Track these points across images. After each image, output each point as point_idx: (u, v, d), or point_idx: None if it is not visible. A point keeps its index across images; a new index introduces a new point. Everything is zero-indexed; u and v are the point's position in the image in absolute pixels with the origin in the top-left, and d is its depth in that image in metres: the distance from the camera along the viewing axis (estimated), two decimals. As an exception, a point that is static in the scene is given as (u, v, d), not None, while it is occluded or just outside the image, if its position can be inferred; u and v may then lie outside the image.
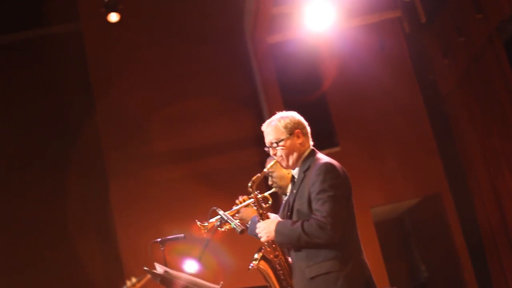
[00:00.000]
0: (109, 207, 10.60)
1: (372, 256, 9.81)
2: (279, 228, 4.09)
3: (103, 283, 9.81)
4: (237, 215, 5.10)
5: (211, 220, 4.90)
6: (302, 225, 3.98)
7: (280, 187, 5.24)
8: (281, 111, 4.43)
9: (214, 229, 4.78)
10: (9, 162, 10.41)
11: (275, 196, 5.78)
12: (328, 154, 4.35)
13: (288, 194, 4.92)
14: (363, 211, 10.26)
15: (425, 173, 10.94)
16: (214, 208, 4.59)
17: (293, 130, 4.26)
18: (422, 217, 12.09)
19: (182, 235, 5.45)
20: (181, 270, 4.40)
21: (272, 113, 4.48)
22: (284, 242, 4.12)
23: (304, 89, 10.69)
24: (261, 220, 4.23)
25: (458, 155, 10.62)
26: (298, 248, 4.08)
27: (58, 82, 10.88)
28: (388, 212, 11.99)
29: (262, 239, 4.17)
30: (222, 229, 4.86)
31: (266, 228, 4.15)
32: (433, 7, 10.05)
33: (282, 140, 4.24)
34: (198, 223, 5.08)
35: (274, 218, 4.24)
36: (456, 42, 9.78)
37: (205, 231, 4.99)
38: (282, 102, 10.49)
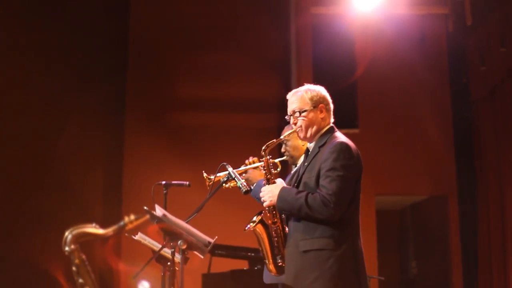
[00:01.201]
0: (121, 142, 10.63)
1: (367, 242, 9.77)
2: (282, 193, 4.12)
3: (101, 216, 9.83)
4: (244, 174, 5.14)
5: (218, 174, 4.94)
6: (306, 197, 4.00)
7: (291, 157, 5.26)
8: (310, 83, 4.43)
9: (219, 184, 4.81)
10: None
11: (285, 165, 5.80)
12: (346, 134, 4.35)
13: (298, 165, 4.94)
14: (368, 197, 10.27)
15: (437, 173, 10.93)
16: (224, 163, 4.62)
17: (317, 103, 4.26)
18: (424, 215, 12.11)
19: (187, 182, 5.49)
20: (180, 217, 4.43)
21: (300, 83, 4.48)
22: (285, 208, 4.13)
23: (337, 66, 10.65)
24: (267, 185, 4.25)
25: (474, 162, 10.59)
26: (297, 220, 4.10)
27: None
28: (392, 203, 12.02)
29: (265, 203, 4.19)
30: (227, 185, 4.90)
31: (270, 192, 4.17)
32: (481, 12, 9.94)
33: (305, 111, 4.24)
34: (205, 174, 5.12)
35: (279, 183, 4.26)
36: (496, 52, 9.69)
37: (210, 183, 5.03)
38: (312, 74, 10.47)
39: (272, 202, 4.15)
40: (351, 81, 10.75)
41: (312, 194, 4.01)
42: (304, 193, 4.03)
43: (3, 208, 8.99)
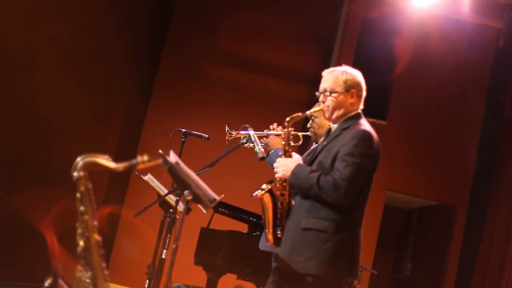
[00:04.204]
0: (151, 80, 10.65)
1: (368, 234, 9.86)
2: (296, 170, 4.11)
3: (115, 149, 9.82)
4: (264, 139, 5.15)
5: (239, 132, 4.96)
6: (318, 177, 3.99)
7: (315, 134, 5.26)
8: (349, 65, 4.39)
9: (237, 144, 4.82)
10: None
11: (306, 140, 5.81)
12: (373, 124, 4.34)
13: (318, 143, 4.94)
14: (380, 190, 10.29)
15: (453, 182, 10.90)
16: (247, 125, 4.63)
17: (350, 88, 4.22)
18: (430, 220, 12.09)
19: (207, 135, 5.52)
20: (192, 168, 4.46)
21: (339, 64, 4.44)
22: (296, 185, 4.13)
23: (380, 56, 10.59)
24: (283, 156, 4.25)
25: (491, 180, 10.54)
26: (304, 197, 4.10)
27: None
28: (401, 201, 12.00)
29: (277, 175, 4.19)
30: (246, 145, 4.92)
31: (285, 166, 4.16)
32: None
33: (336, 92, 4.21)
34: (227, 128, 5.14)
35: (296, 159, 4.25)
36: (539, 77, 9.61)
37: (230, 138, 5.06)
38: (353, 57, 10.42)
39: (285, 175, 4.15)
40: (389, 75, 10.69)
41: (325, 175, 4.01)
42: (317, 173, 4.02)
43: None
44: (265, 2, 11.02)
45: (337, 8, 11.10)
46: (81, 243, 2.74)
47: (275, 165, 4.21)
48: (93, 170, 2.78)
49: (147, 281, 5.37)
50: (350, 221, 4.05)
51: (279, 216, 4.24)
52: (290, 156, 4.25)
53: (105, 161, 2.75)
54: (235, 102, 10.61)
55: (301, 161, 4.24)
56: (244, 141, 4.72)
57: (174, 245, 4.19)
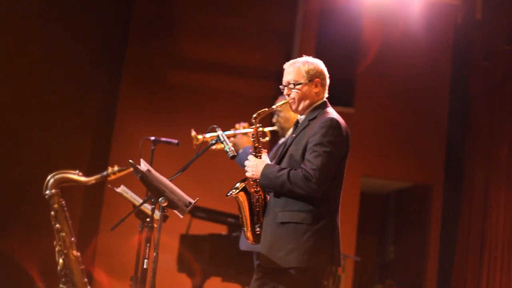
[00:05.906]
0: (116, 91, 10.58)
1: (348, 222, 9.92)
2: (265, 171, 4.10)
3: (86, 164, 9.74)
4: (232, 139, 5.14)
5: (207, 135, 4.93)
6: (288, 173, 3.99)
7: (282, 128, 5.27)
8: (311, 56, 4.38)
9: (207, 146, 4.80)
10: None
11: (274, 135, 5.81)
12: (341, 112, 4.33)
13: (287, 136, 4.94)
14: (354, 177, 10.32)
15: (426, 162, 10.97)
16: (214, 126, 4.59)
17: (313, 77, 4.23)
18: (408, 202, 12.17)
19: (176, 141, 5.50)
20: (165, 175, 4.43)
21: (301, 56, 4.44)
22: (267, 186, 4.12)
23: (341, 43, 10.63)
24: (253, 153, 4.24)
25: (463, 156, 10.61)
26: (279, 194, 4.10)
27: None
28: (377, 186, 12.06)
29: (247, 174, 4.19)
30: (214, 147, 4.90)
31: (254, 167, 4.15)
32: (491, 8, 9.89)
33: (300, 83, 4.21)
34: (193, 133, 5.12)
35: (264, 159, 4.24)
36: (501, 49, 9.65)
37: (197, 143, 5.03)
38: (315, 48, 10.44)
39: (254, 176, 4.15)
40: (353, 62, 10.72)
41: (295, 170, 4.00)
42: (286, 170, 4.02)
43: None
44: (223, 3, 11.01)
45: (294, 1, 11.12)
46: (60, 260, 2.72)
47: (245, 163, 4.20)
48: (65, 186, 2.75)
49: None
50: (326, 210, 4.06)
51: (256, 213, 4.24)
52: (260, 152, 4.24)
53: (76, 176, 2.73)
54: (201, 105, 10.59)
55: (268, 161, 4.22)
56: (213, 142, 4.69)
57: (155, 254, 4.17)
